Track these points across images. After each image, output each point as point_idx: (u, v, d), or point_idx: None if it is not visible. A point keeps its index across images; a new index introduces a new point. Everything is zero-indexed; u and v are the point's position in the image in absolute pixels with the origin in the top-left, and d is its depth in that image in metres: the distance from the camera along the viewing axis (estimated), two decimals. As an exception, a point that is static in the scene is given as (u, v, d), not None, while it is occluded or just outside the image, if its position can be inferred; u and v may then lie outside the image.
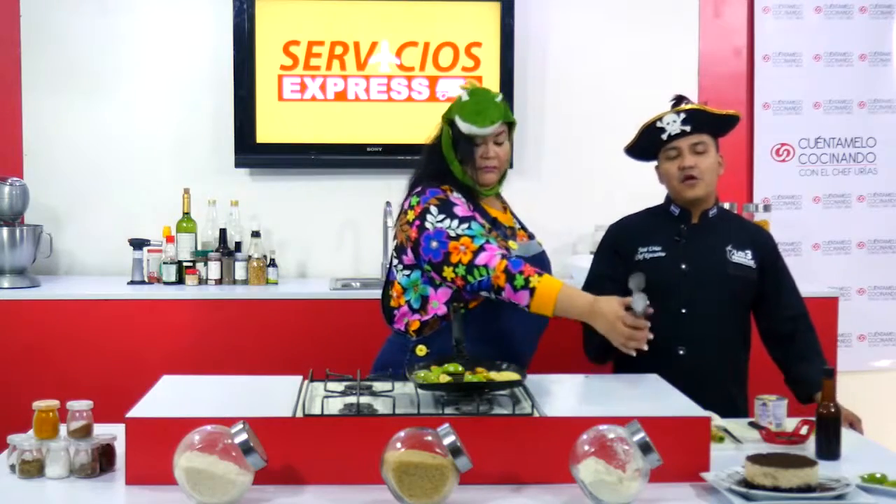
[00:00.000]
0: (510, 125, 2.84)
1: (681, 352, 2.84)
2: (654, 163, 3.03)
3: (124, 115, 4.36)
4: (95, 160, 4.35)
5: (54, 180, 4.33)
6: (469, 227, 2.63)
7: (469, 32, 4.30)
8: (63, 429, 2.30)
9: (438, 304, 2.74)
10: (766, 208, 4.29)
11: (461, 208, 2.68)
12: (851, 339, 4.56)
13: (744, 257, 2.95)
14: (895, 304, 4.60)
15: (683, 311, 2.90)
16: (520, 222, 2.94)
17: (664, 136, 2.92)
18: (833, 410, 2.40)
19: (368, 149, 4.27)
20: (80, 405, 2.29)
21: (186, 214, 4.18)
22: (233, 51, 4.24)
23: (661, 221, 3.01)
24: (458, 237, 2.62)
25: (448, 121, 2.79)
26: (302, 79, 4.27)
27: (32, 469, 2.21)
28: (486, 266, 2.56)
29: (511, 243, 2.74)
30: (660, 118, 2.93)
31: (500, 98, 2.81)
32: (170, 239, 4.14)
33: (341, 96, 4.29)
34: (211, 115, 4.35)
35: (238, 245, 4.19)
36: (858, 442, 2.54)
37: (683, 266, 2.92)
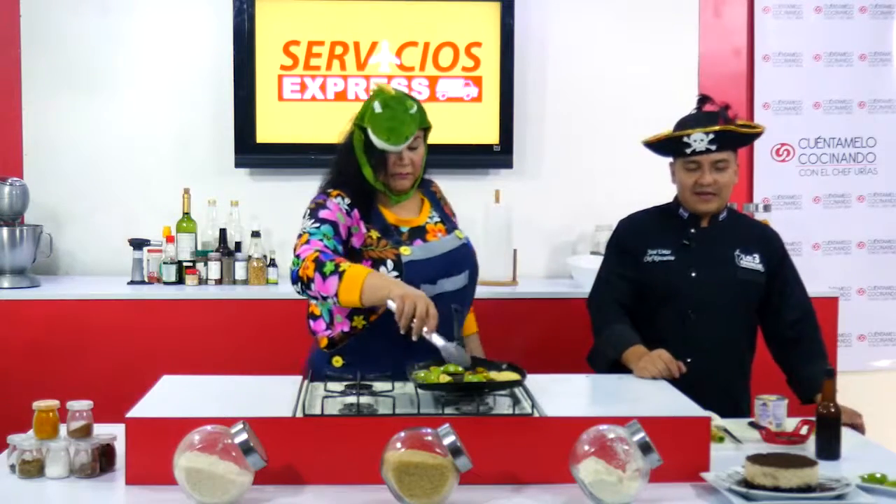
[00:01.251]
0: (425, 129, 2.78)
1: (689, 360, 2.78)
2: (669, 159, 3.02)
3: (124, 115, 4.36)
4: (96, 160, 4.35)
5: (54, 180, 4.33)
6: (317, 228, 2.62)
7: (469, 32, 4.29)
8: (63, 429, 2.30)
9: (342, 318, 2.72)
10: (766, 208, 4.29)
11: (326, 212, 2.65)
12: (851, 339, 4.55)
13: (752, 262, 2.95)
14: (895, 304, 4.60)
15: (692, 315, 2.91)
16: (442, 214, 2.87)
17: (688, 151, 2.89)
18: (833, 410, 2.40)
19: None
20: (80, 405, 2.29)
21: (186, 214, 4.18)
22: (233, 51, 4.24)
23: (669, 222, 3.00)
24: (300, 235, 2.63)
25: (360, 126, 2.74)
26: (302, 79, 4.27)
27: (32, 469, 2.21)
28: (298, 256, 2.56)
29: (403, 249, 2.68)
30: (688, 134, 2.87)
31: (415, 109, 2.71)
32: (170, 239, 4.13)
33: (341, 96, 4.29)
34: (211, 115, 4.35)
35: (238, 245, 4.19)
36: (858, 442, 2.54)
37: (693, 273, 2.92)
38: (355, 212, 2.69)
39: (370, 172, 2.73)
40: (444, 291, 2.69)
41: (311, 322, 2.80)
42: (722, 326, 2.92)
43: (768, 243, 3.02)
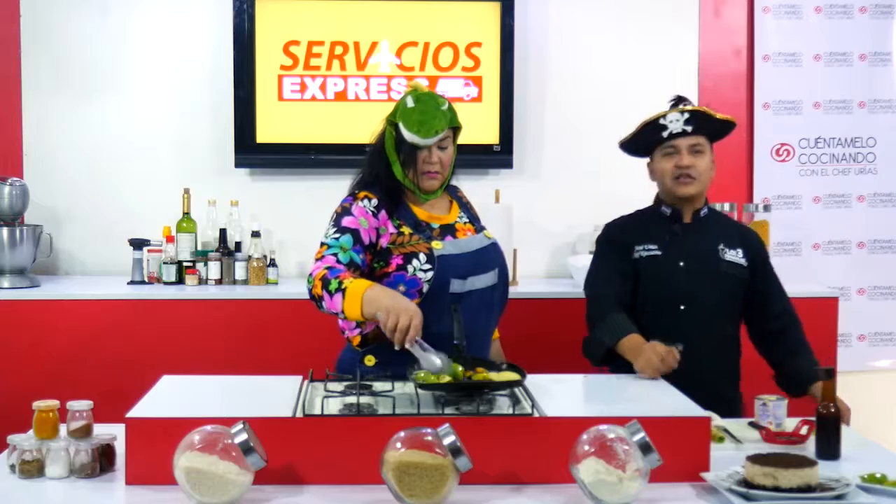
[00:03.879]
0: (455, 129, 2.80)
1: (680, 348, 2.79)
2: (646, 160, 3.07)
3: (124, 116, 4.36)
4: (95, 160, 4.35)
5: (54, 180, 4.33)
6: (336, 238, 2.63)
7: (469, 32, 4.30)
8: (63, 429, 2.30)
9: None
10: (766, 208, 4.29)
11: (349, 219, 2.66)
12: (851, 339, 4.55)
13: (735, 256, 2.99)
14: (895, 304, 4.60)
15: (682, 307, 2.93)
16: (470, 216, 2.91)
17: (664, 134, 2.95)
18: (833, 410, 2.40)
19: (368, 149, 4.26)
20: (80, 405, 2.29)
21: (186, 214, 4.18)
22: (233, 51, 4.24)
23: (653, 221, 3.05)
24: (321, 245, 2.65)
25: (392, 122, 2.76)
26: (302, 79, 4.27)
27: (32, 469, 2.21)
28: (310, 275, 2.58)
29: (434, 243, 2.69)
30: (663, 115, 2.96)
31: (446, 106, 2.75)
32: (170, 239, 4.14)
33: (341, 96, 4.29)
34: (211, 115, 4.35)
35: (238, 245, 4.19)
36: (858, 442, 2.54)
37: (681, 263, 2.95)
38: (382, 213, 2.70)
39: (399, 170, 2.75)
40: (473, 289, 2.72)
41: (340, 321, 2.79)
42: (709, 320, 2.95)
43: (751, 243, 3.07)
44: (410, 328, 2.38)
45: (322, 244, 2.65)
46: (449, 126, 2.74)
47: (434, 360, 2.37)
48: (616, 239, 3.06)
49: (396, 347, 2.40)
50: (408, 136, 2.70)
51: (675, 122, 2.95)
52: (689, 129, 2.94)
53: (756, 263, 3.02)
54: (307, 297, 2.60)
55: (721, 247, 2.98)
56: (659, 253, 2.98)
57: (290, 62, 4.26)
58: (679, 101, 3.03)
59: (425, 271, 2.65)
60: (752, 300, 3.02)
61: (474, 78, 4.30)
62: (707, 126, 2.97)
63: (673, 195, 2.99)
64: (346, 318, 2.52)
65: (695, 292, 2.93)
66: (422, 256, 2.66)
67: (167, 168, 4.36)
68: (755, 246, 3.06)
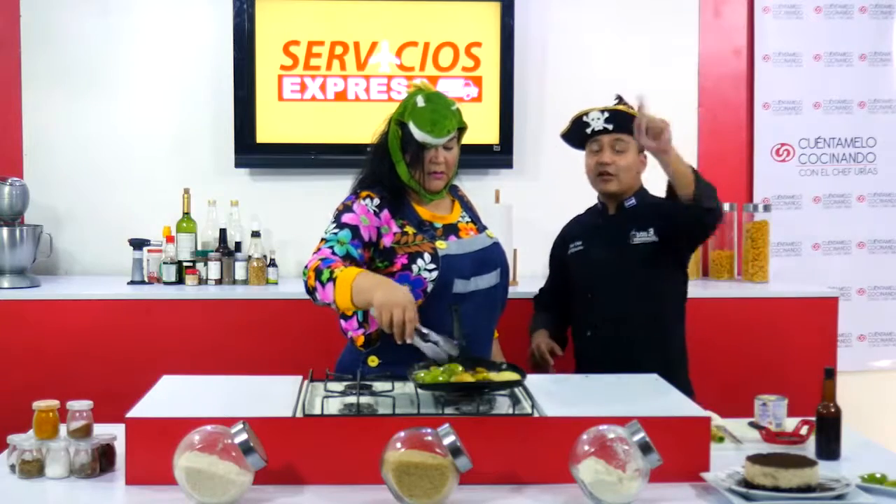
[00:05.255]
0: (461, 129, 2.81)
1: (588, 333, 3.07)
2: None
3: (124, 115, 4.36)
4: (95, 160, 4.35)
5: (54, 180, 4.33)
6: (335, 234, 2.63)
7: (469, 32, 4.29)
8: (63, 429, 2.30)
9: None
10: (766, 208, 4.29)
11: (350, 216, 2.66)
12: (851, 339, 4.55)
13: (645, 236, 3.08)
14: (895, 304, 4.60)
15: (589, 295, 3.09)
16: (472, 215, 2.92)
17: (588, 131, 3.10)
18: (833, 410, 2.40)
19: (368, 149, 4.26)
20: (80, 405, 2.29)
21: (186, 214, 4.18)
22: (233, 51, 4.24)
23: (589, 217, 3.25)
24: (320, 240, 2.65)
25: (399, 122, 2.76)
26: (302, 79, 4.27)
27: (32, 469, 2.21)
28: (306, 267, 2.57)
29: (439, 243, 2.69)
30: (586, 113, 3.12)
31: (455, 106, 2.77)
32: (170, 239, 4.13)
33: (341, 96, 4.29)
34: (211, 115, 4.35)
35: (238, 245, 4.19)
36: (858, 442, 2.54)
37: (592, 255, 3.12)
38: (385, 212, 2.70)
39: (405, 170, 2.74)
40: (477, 289, 2.72)
41: (343, 322, 2.78)
42: (623, 304, 3.03)
43: (663, 212, 3.02)
44: (406, 322, 2.37)
45: (321, 239, 2.65)
46: (457, 125, 2.76)
47: (438, 351, 2.39)
48: (558, 245, 3.30)
49: (398, 342, 2.40)
50: (419, 135, 2.70)
51: (597, 121, 3.09)
52: (609, 126, 3.07)
53: (662, 218, 2.99)
54: (307, 297, 2.60)
55: (633, 232, 3.07)
56: (582, 248, 3.17)
57: (290, 62, 4.26)
58: (620, 100, 3.11)
59: (430, 271, 2.65)
60: (671, 221, 2.96)
61: (474, 78, 4.30)
62: (628, 124, 2.99)
63: (597, 190, 3.16)
64: (339, 309, 2.51)
65: (601, 281, 3.07)
66: (426, 256, 2.66)
67: (167, 168, 4.36)
68: (665, 215, 2.99)
